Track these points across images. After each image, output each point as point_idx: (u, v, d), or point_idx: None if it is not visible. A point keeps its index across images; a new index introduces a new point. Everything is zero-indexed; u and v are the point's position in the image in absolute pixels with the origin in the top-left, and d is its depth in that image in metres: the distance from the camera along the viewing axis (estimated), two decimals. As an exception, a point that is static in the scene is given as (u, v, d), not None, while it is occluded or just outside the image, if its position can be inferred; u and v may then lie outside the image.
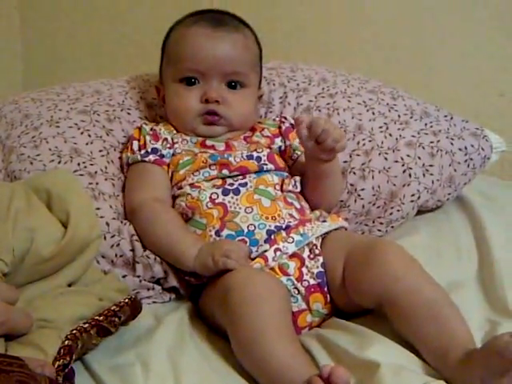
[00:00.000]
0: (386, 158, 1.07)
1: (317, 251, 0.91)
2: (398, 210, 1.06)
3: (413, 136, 1.09)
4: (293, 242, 0.90)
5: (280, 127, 1.05)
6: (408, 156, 1.07)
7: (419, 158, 1.07)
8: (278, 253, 0.89)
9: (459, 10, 1.44)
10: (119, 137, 1.04)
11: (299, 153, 1.03)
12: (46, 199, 0.82)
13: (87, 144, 0.99)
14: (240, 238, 0.90)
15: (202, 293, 0.91)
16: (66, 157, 0.97)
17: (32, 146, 0.97)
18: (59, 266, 0.79)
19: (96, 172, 0.96)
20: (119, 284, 0.87)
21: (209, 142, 1.00)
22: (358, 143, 1.08)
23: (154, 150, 0.99)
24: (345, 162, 1.07)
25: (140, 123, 1.03)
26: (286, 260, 0.89)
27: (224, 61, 0.99)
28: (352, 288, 0.86)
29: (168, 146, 1.00)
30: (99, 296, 0.78)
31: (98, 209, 0.92)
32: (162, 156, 0.99)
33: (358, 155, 1.07)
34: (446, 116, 1.14)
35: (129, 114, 1.08)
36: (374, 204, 1.05)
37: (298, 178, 1.00)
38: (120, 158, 1.02)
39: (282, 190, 0.97)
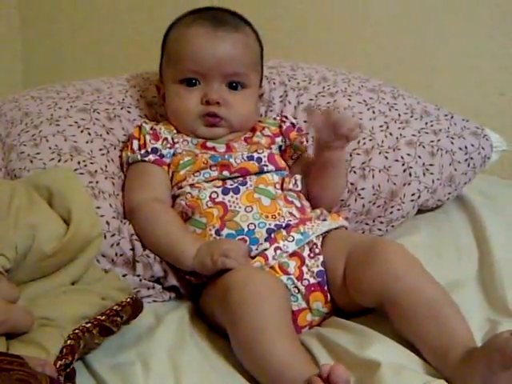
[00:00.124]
0: (386, 157, 1.06)
1: (317, 250, 0.91)
2: (399, 210, 1.06)
3: (413, 135, 1.09)
4: (293, 240, 0.90)
5: (281, 126, 1.05)
6: (408, 155, 1.07)
7: (419, 157, 1.07)
8: (279, 251, 0.89)
9: (460, 10, 1.44)
10: (119, 135, 1.04)
11: (300, 152, 1.04)
12: (46, 197, 0.82)
13: (87, 142, 0.99)
14: (240, 236, 0.90)
15: (201, 292, 0.90)
16: (66, 155, 0.96)
17: (32, 145, 0.97)
18: (61, 264, 0.79)
19: (96, 171, 0.96)
20: (120, 283, 0.87)
21: (209, 144, 1.00)
22: (359, 142, 1.08)
23: (154, 150, 0.98)
24: (345, 161, 1.07)
25: (140, 122, 1.02)
26: (286, 259, 0.89)
27: (225, 62, 0.98)
28: (353, 287, 0.86)
29: (168, 145, 0.99)
30: (101, 295, 0.78)
31: (98, 208, 0.92)
32: (162, 156, 0.99)
33: (359, 154, 1.07)
34: (446, 115, 1.14)
35: (129, 112, 1.07)
36: (374, 203, 1.05)
37: (298, 177, 1.00)
38: (120, 156, 1.02)
39: (282, 189, 0.97)
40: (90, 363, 0.76)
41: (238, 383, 0.76)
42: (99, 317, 0.74)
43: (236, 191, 0.94)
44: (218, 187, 0.95)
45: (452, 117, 1.14)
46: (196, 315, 0.90)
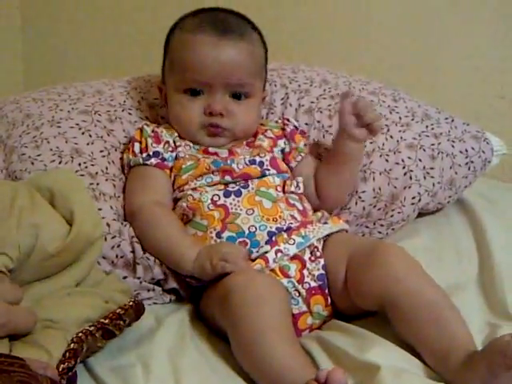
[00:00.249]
0: (386, 160, 1.07)
1: (318, 253, 0.91)
2: (399, 213, 1.06)
3: (414, 138, 1.09)
4: (294, 243, 0.90)
5: (283, 129, 1.05)
6: (409, 158, 1.07)
7: (420, 160, 1.07)
8: (279, 254, 0.89)
9: (461, 12, 1.44)
10: (120, 137, 1.04)
11: (303, 155, 1.04)
12: (48, 198, 0.82)
13: (88, 144, 0.99)
14: (241, 239, 0.90)
15: (202, 294, 0.90)
16: (67, 157, 0.96)
17: (33, 146, 0.97)
18: (65, 264, 0.79)
19: (97, 173, 0.96)
20: (122, 285, 0.87)
21: (212, 149, 0.99)
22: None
23: (156, 154, 0.98)
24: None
25: (141, 124, 1.02)
26: (286, 262, 0.89)
27: (229, 73, 0.97)
28: (353, 290, 0.86)
29: (170, 149, 0.99)
30: (104, 297, 0.78)
31: (99, 209, 0.91)
32: (164, 159, 0.98)
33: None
34: (446, 118, 1.14)
35: (130, 114, 1.07)
36: (374, 206, 1.05)
37: (300, 179, 1.00)
38: (121, 158, 1.01)
39: (284, 192, 0.97)
40: (90, 365, 0.76)
41: (238, 385, 0.77)
42: (102, 320, 0.74)
43: (238, 194, 0.94)
44: (220, 190, 0.94)
45: (453, 120, 1.14)
46: (196, 317, 0.90)
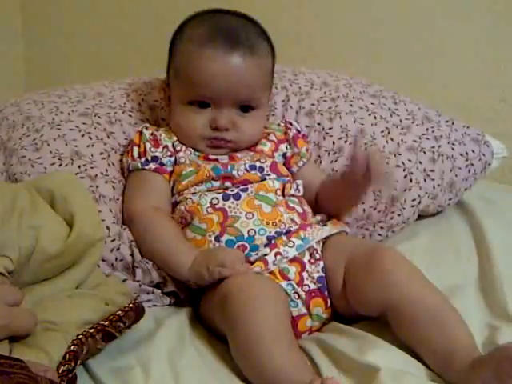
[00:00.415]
0: (387, 163, 1.06)
1: (317, 256, 0.91)
2: (399, 215, 1.06)
3: (414, 141, 1.09)
4: (293, 246, 0.90)
5: (286, 133, 1.04)
6: (409, 161, 1.07)
7: (420, 162, 1.08)
8: (279, 257, 0.89)
9: (460, 15, 1.44)
10: (120, 139, 1.04)
11: (305, 160, 1.03)
12: (49, 200, 0.82)
13: (88, 146, 0.99)
14: (240, 243, 0.90)
15: (201, 297, 0.90)
16: (67, 159, 0.96)
17: (33, 149, 0.97)
18: (65, 266, 0.79)
19: (96, 175, 0.96)
20: (122, 287, 0.87)
21: (212, 156, 0.98)
22: (360, 147, 1.07)
23: (154, 159, 0.97)
24: (346, 166, 1.06)
25: (141, 127, 1.01)
26: (286, 264, 0.89)
27: (237, 90, 0.95)
28: (353, 297, 0.86)
29: (169, 153, 0.98)
30: (105, 299, 0.78)
31: (99, 212, 0.91)
32: (163, 164, 0.98)
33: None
34: (447, 121, 1.14)
35: (130, 116, 1.07)
36: (374, 208, 1.05)
37: (300, 182, 0.99)
38: (121, 160, 1.01)
39: (283, 195, 0.97)
40: (89, 367, 0.76)
41: (237, 386, 0.77)
42: (103, 322, 0.74)
43: (237, 197, 0.93)
44: (219, 193, 0.94)
45: (453, 123, 1.14)
46: (195, 319, 0.90)
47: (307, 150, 1.04)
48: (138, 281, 0.91)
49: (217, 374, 0.78)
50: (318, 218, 0.97)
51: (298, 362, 0.75)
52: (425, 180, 1.07)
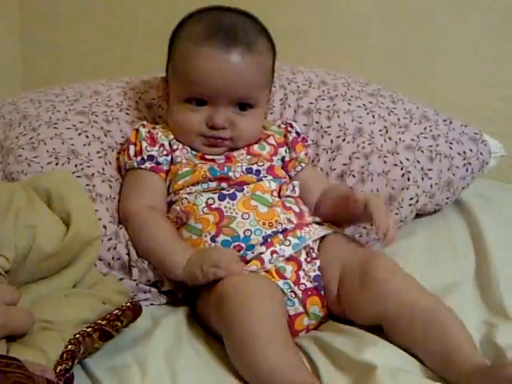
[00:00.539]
0: (385, 162, 1.06)
1: (314, 254, 0.91)
2: (397, 214, 1.05)
3: (412, 140, 1.09)
4: (290, 244, 0.89)
5: (286, 136, 1.03)
6: (407, 160, 1.07)
7: (418, 161, 1.07)
8: (275, 255, 0.88)
9: (460, 14, 1.44)
10: (117, 138, 1.03)
11: (304, 165, 1.02)
12: (45, 199, 0.82)
13: (85, 145, 0.99)
14: (236, 243, 0.89)
15: (198, 296, 0.90)
16: (64, 158, 0.96)
17: (30, 148, 0.97)
18: (62, 265, 0.79)
19: (93, 174, 0.96)
20: (119, 286, 0.87)
21: (209, 156, 0.98)
22: (358, 146, 1.08)
23: (150, 158, 0.97)
24: (344, 164, 1.07)
25: (137, 125, 1.01)
26: (282, 263, 0.89)
27: (235, 88, 0.94)
28: (348, 308, 0.86)
29: (165, 152, 0.98)
30: (102, 298, 0.78)
31: (95, 211, 0.91)
32: (159, 163, 0.97)
33: (358, 158, 1.07)
34: (445, 120, 1.14)
35: (127, 114, 1.07)
36: (372, 207, 1.05)
37: (296, 183, 0.99)
38: (117, 159, 1.01)
39: (279, 196, 0.96)
40: (86, 365, 0.76)
41: (234, 385, 0.77)
42: (100, 321, 0.74)
43: (233, 197, 0.93)
44: (215, 193, 0.94)
45: (451, 122, 1.14)
46: (192, 318, 0.89)
47: (306, 154, 1.03)
48: (134, 280, 0.91)
49: (214, 373, 0.78)
50: (316, 218, 0.97)
51: (293, 362, 0.75)
52: (422, 179, 1.07)
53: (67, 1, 1.75)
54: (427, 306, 0.80)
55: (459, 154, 1.10)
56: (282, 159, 1.02)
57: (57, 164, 0.95)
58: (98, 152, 0.99)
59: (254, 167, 0.97)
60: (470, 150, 1.11)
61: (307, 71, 1.20)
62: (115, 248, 0.91)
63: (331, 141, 1.09)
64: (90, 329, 0.73)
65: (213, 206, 0.92)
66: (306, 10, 1.54)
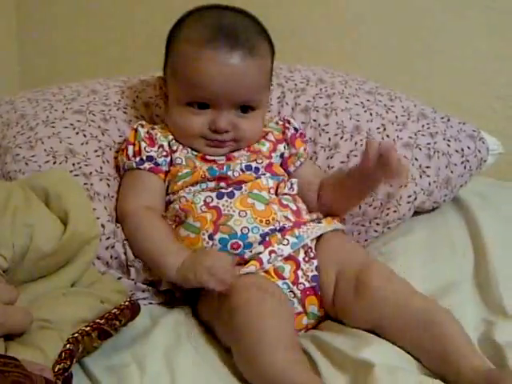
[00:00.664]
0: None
1: (311, 254, 0.91)
2: (395, 211, 1.06)
3: (410, 137, 1.09)
4: (288, 244, 0.89)
5: (284, 132, 1.03)
6: (405, 157, 1.07)
7: (416, 159, 1.07)
8: (273, 255, 0.88)
9: (456, 12, 1.45)
10: (115, 136, 1.03)
11: (303, 160, 1.03)
12: (43, 198, 0.82)
13: (82, 144, 0.99)
14: (233, 241, 0.89)
15: (197, 296, 0.90)
16: (61, 157, 0.96)
17: (27, 147, 0.97)
18: (60, 264, 0.79)
19: (91, 173, 0.96)
20: (117, 285, 0.87)
21: (209, 157, 0.97)
22: (356, 144, 1.08)
23: (150, 158, 0.97)
24: (342, 162, 1.07)
25: (136, 125, 1.00)
26: (281, 263, 0.89)
27: (238, 92, 0.93)
28: (343, 315, 0.86)
29: (164, 153, 0.97)
30: (100, 297, 0.78)
31: (93, 209, 0.91)
32: (158, 164, 0.97)
33: (356, 156, 1.07)
34: (442, 118, 1.14)
35: (125, 113, 1.07)
36: (370, 205, 1.05)
37: (294, 181, 0.99)
38: (115, 157, 1.01)
39: (276, 194, 0.96)
40: (85, 365, 0.76)
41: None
42: (98, 320, 0.74)
43: (230, 195, 0.93)
44: (213, 192, 0.93)
45: (449, 119, 1.14)
46: (192, 316, 0.89)
47: (305, 149, 1.04)
48: (132, 279, 0.91)
49: (213, 372, 0.78)
50: (314, 216, 0.97)
51: (299, 366, 0.75)
52: (420, 176, 1.07)
53: (64, 1, 1.75)
54: (423, 308, 0.80)
55: (457, 151, 1.10)
56: (281, 155, 1.02)
57: (54, 163, 0.95)
58: (96, 151, 0.99)
59: (253, 164, 0.97)
60: (468, 148, 1.11)
61: (305, 69, 1.20)
62: (113, 247, 0.91)
63: (329, 139, 1.09)
64: (88, 328, 0.73)
65: (211, 205, 0.92)
66: (304, 8, 1.54)
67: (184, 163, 0.96)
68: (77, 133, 1.00)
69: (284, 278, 0.88)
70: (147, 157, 0.97)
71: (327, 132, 1.09)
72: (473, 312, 0.87)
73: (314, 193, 1.01)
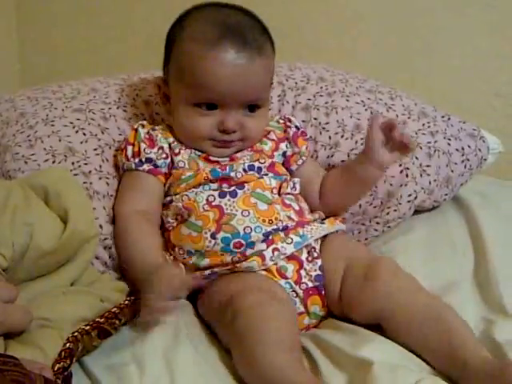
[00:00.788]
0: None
1: (315, 254, 0.91)
2: (395, 210, 1.05)
3: (410, 136, 1.09)
4: (291, 242, 0.89)
5: (286, 131, 1.03)
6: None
7: (416, 158, 1.07)
8: (276, 252, 0.88)
9: (456, 10, 1.45)
10: (114, 135, 1.03)
11: (305, 158, 1.03)
12: (43, 197, 0.82)
13: (82, 143, 0.98)
14: (236, 240, 0.89)
15: (198, 296, 0.90)
16: (61, 156, 0.96)
17: (27, 146, 0.96)
18: (60, 262, 0.79)
19: (90, 171, 0.95)
20: (117, 284, 0.87)
21: (213, 158, 0.97)
22: (356, 142, 1.07)
23: (149, 160, 0.96)
24: (342, 161, 1.07)
25: (136, 125, 1.00)
26: (284, 262, 0.89)
27: (247, 92, 0.93)
28: (348, 307, 0.86)
29: (164, 155, 0.96)
30: (100, 296, 0.78)
31: (93, 209, 0.91)
32: (157, 166, 0.96)
33: (356, 155, 1.06)
34: (443, 116, 1.14)
35: (125, 111, 1.06)
36: (370, 204, 1.05)
37: (296, 180, 0.99)
38: (115, 156, 1.00)
39: (279, 194, 0.96)
40: (84, 364, 0.75)
41: (233, 383, 0.77)
42: (98, 319, 0.74)
43: (233, 195, 0.92)
44: (215, 190, 0.93)
45: (449, 118, 1.14)
46: (191, 315, 0.89)
47: (306, 148, 1.04)
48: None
49: (213, 370, 0.78)
50: (316, 215, 0.97)
51: (297, 368, 0.75)
52: (421, 175, 1.07)
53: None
54: (427, 304, 0.81)
55: (457, 150, 1.10)
56: (284, 154, 1.02)
57: (54, 161, 0.95)
58: (95, 149, 0.99)
59: (256, 164, 0.96)
60: (469, 147, 1.11)
61: (305, 68, 1.19)
62: (111, 248, 0.91)
63: (329, 137, 1.09)
64: (88, 327, 0.73)
65: (213, 203, 0.92)
66: (304, 6, 1.54)
67: (187, 166, 0.96)
68: (76, 131, 0.99)
69: (287, 278, 0.88)
70: (146, 158, 0.96)
71: (328, 130, 1.09)
72: (473, 311, 0.88)
73: (315, 191, 1.01)
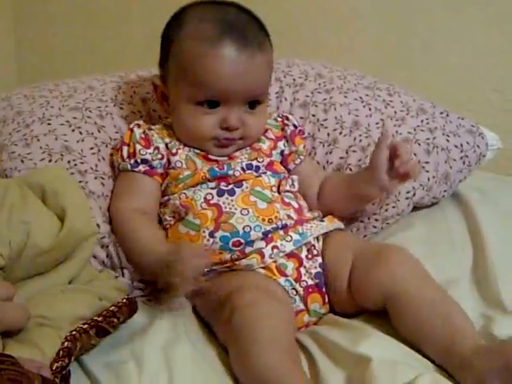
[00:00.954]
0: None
1: (315, 251, 0.91)
2: (394, 207, 1.05)
3: (409, 132, 1.09)
4: (291, 240, 0.89)
5: (283, 129, 1.03)
6: (405, 153, 1.07)
7: (415, 154, 1.07)
8: (276, 250, 0.88)
9: (453, 6, 1.44)
10: (111, 133, 1.02)
11: (302, 157, 1.02)
12: (40, 195, 0.82)
13: (78, 142, 0.98)
14: (235, 239, 0.89)
15: (195, 292, 0.89)
16: (57, 155, 0.95)
17: (23, 144, 0.96)
18: (57, 260, 0.79)
19: (86, 170, 0.95)
20: (115, 282, 0.87)
21: (212, 156, 0.96)
22: (355, 139, 1.07)
23: (144, 161, 0.95)
24: (341, 158, 1.07)
25: (132, 124, 0.99)
26: (283, 260, 0.88)
27: (250, 89, 0.93)
28: (356, 291, 0.86)
29: (159, 156, 0.96)
30: (98, 294, 0.78)
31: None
32: (152, 167, 0.96)
33: (355, 151, 1.06)
34: (441, 113, 1.14)
35: (121, 108, 1.06)
36: (369, 201, 1.05)
37: (295, 177, 0.99)
38: (111, 154, 1.00)
39: (278, 192, 0.95)
40: (83, 362, 0.75)
41: (231, 381, 0.76)
42: (96, 317, 0.74)
43: (231, 193, 0.92)
44: (213, 189, 0.93)
45: (448, 115, 1.14)
46: (190, 313, 0.89)
47: (304, 146, 1.03)
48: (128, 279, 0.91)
49: (211, 368, 0.78)
50: (315, 213, 0.97)
51: (292, 369, 0.74)
52: (420, 172, 1.06)
53: (61, -2, 1.75)
54: (433, 298, 0.81)
55: (456, 146, 1.10)
56: (281, 153, 1.02)
57: (50, 160, 0.94)
58: (92, 148, 0.98)
59: (254, 163, 0.96)
60: (467, 143, 1.11)
61: (303, 64, 1.19)
62: (108, 247, 0.91)
63: (328, 134, 1.08)
64: (86, 325, 0.72)
65: (211, 202, 0.91)
66: (302, 3, 1.54)
67: (184, 166, 0.95)
68: (73, 130, 0.99)
69: (286, 276, 0.88)
70: (142, 159, 0.95)
71: (326, 127, 1.09)
72: (471, 307, 0.87)
73: (314, 191, 1.01)
